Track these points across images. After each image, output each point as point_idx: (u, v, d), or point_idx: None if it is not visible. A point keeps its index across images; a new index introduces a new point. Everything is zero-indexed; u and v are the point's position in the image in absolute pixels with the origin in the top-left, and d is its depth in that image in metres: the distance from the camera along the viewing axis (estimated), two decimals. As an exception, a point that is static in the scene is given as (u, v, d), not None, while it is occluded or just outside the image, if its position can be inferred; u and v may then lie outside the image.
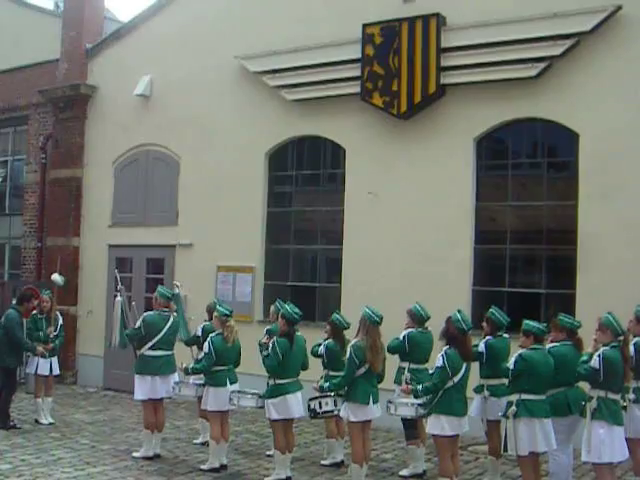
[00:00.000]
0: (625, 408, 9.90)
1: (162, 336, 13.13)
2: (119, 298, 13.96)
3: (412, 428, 12.03)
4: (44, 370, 15.68)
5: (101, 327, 19.73)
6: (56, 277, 16.13)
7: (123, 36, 20.64)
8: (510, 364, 9.99)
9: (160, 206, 19.47)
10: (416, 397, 10.61)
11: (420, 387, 10.36)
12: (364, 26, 16.25)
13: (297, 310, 11.61)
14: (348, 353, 10.92)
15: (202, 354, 12.40)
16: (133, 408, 16.50)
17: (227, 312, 12.32)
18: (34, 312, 15.86)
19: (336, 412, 11.58)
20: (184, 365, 12.65)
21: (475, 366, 11.12)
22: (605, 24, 14.05)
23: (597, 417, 9.48)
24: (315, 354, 12.53)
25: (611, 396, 9.52)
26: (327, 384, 11.28)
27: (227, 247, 18.14)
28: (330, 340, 12.32)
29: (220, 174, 18.36)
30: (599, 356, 9.50)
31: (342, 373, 11.18)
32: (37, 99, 21.80)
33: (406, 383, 11.20)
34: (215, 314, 12.51)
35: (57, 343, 15.81)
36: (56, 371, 15.95)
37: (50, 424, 15.41)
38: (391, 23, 16.00)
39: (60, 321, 16.04)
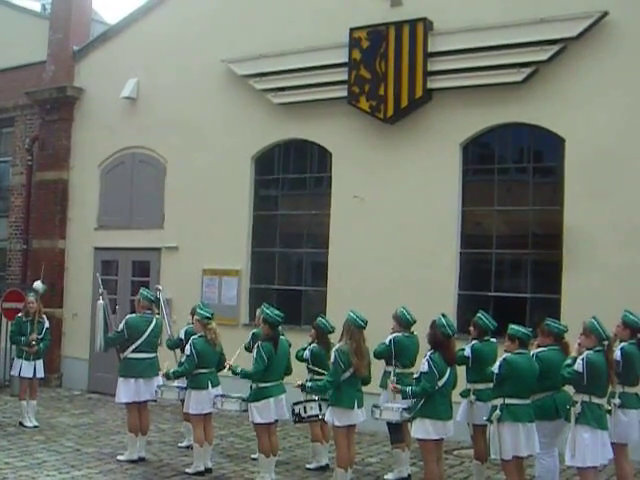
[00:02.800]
0: (610, 412, 9.93)
1: (145, 339, 13.11)
2: (101, 302, 13.93)
3: (397, 432, 12.02)
4: (27, 372, 15.64)
5: (86, 330, 19.65)
6: (38, 284, 16.09)
7: (110, 38, 20.60)
8: (495, 368, 10.02)
9: (146, 209, 19.43)
10: (404, 398, 10.60)
11: (409, 389, 10.36)
12: (351, 30, 16.26)
13: (278, 312, 11.61)
14: (333, 357, 10.92)
15: (184, 357, 12.39)
16: (118, 411, 16.42)
17: (208, 315, 12.33)
18: (19, 315, 15.84)
19: (321, 416, 11.60)
20: (165, 370, 12.67)
21: (462, 370, 11.15)
22: (591, 30, 14.09)
23: (581, 421, 9.50)
24: (300, 358, 12.55)
25: (595, 400, 9.55)
26: (310, 384, 11.30)
27: (213, 250, 18.12)
28: (315, 344, 12.35)
29: (206, 177, 18.35)
30: (583, 360, 9.54)
31: (326, 377, 11.19)
32: (23, 101, 21.75)
33: (393, 384, 11.15)
34: (196, 317, 12.52)
35: (42, 346, 15.73)
36: (40, 374, 15.90)
37: (34, 427, 15.36)
38: (378, 27, 16.01)
39: (46, 324, 15.96)
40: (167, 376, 12.58)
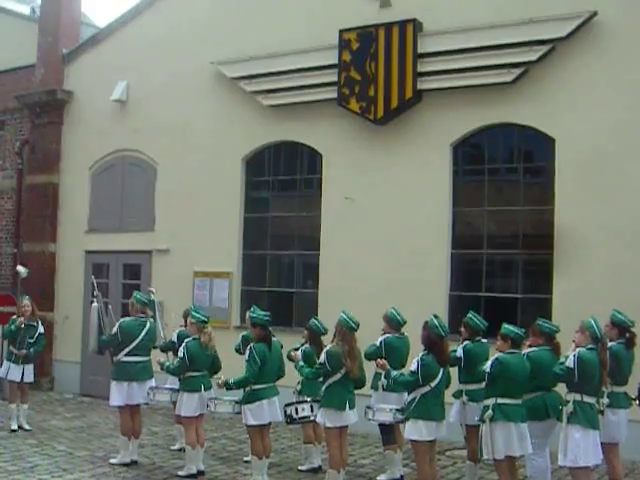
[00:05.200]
0: (602, 412, 9.93)
1: (138, 342, 13.10)
2: (95, 304, 13.93)
3: (389, 433, 12.03)
4: (14, 376, 15.53)
5: (78, 333, 19.65)
6: (20, 268, 16.09)
7: (100, 41, 20.56)
8: (486, 367, 10.02)
9: (137, 212, 19.41)
10: (387, 377, 10.78)
11: (394, 374, 10.56)
12: (341, 32, 16.27)
13: (265, 313, 11.64)
14: (321, 358, 10.96)
15: (177, 359, 12.39)
16: (110, 414, 16.40)
17: (204, 318, 12.31)
18: (13, 317, 15.79)
19: (313, 418, 11.61)
20: (162, 360, 12.74)
21: (454, 371, 11.16)
22: (580, 30, 14.13)
23: (573, 421, 9.53)
24: (290, 358, 12.53)
25: (587, 399, 9.57)
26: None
27: (204, 253, 18.11)
28: (307, 345, 12.35)
29: (197, 180, 18.34)
30: (574, 356, 9.59)
31: (310, 369, 11.31)
32: (13, 104, 21.66)
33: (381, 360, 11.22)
34: (191, 320, 12.48)
35: (32, 351, 15.58)
36: (28, 378, 15.67)
37: (26, 430, 15.31)
38: (368, 29, 16.03)
39: (40, 329, 15.78)
40: (161, 366, 12.57)
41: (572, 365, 9.56)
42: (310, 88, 16.78)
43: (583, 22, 14.06)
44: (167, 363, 12.61)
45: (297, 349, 12.60)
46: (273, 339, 11.65)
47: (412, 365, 10.29)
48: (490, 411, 9.87)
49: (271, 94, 17.34)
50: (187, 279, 18.30)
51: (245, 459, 13.00)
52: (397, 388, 10.92)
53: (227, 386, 11.52)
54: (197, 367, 12.21)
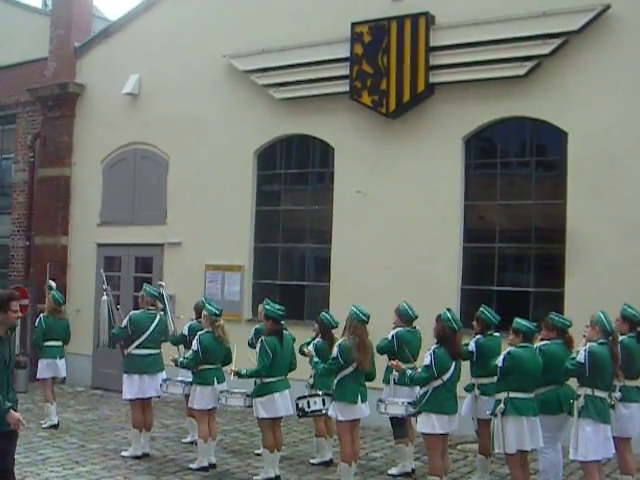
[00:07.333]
0: (613, 407, 9.91)
1: (149, 335, 13.12)
2: (105, 297, 13.96)
3: (401, 427, 12.02)
4: None
5: (89, 326, 19.66)
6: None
7: (112, 35, 20.60)
8: (498, 361, 10.01)
9: (149, 205, 19.44)
10: (402, 375, 10.83)
11: (410, 373, 10.47)
12: (353, 25, 16.25)
13: (279, 307, 11.65)
14: (334, 352, 10.92)
15: (190, 352, 12.40)
16: (122, 407, 16.45)
17: (216, 311, 12.32)
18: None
19: (324, 411, 11.61)
20: (175, 356, 12.73)
21: (466, 365, 11.15)
22: (594, 23, 14.08)
23: (584, 415, 9.51)
24: (303, 353, 12.53)
25: (598, 394, 9.56)
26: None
27: (216, 246, 18.12)
28: (319, 339, 12.34)
29: (208, 173, 18.36)
30: (585, 350, 9.58)
31: (324, 364, 11.26)
32: (25, 97, 21.74)
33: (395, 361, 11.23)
34: (204, 313, 12.49)
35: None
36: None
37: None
38: (380, 22, 16.01)
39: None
40: (175, 362, 12.58)
41: (583, 360, 9.55)
42: (322, 81, 16.77)
43: (596, 15, 14.02)
44: (180, 359, 12.61)
45: (309, 343, 12.59)
46: (285, 332, 11.68)
47: (425, 359, 10.24)
48: (502, 405, 9.86)
49: (283, 87, 17.33)
50: (199, 272, 18.31)
51: (256, 452, 13.01)
52: (412, 384, 10.90)
53: (239, 375, 11.57)
54: (210, 360, 12.23)
